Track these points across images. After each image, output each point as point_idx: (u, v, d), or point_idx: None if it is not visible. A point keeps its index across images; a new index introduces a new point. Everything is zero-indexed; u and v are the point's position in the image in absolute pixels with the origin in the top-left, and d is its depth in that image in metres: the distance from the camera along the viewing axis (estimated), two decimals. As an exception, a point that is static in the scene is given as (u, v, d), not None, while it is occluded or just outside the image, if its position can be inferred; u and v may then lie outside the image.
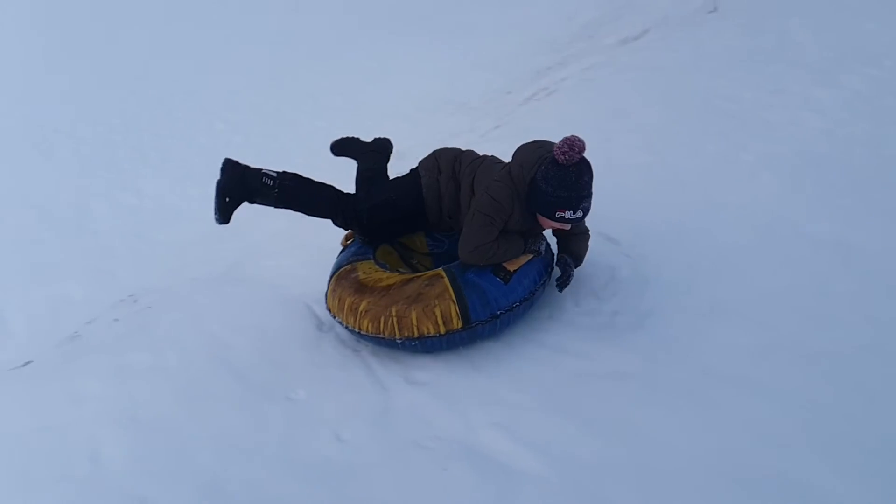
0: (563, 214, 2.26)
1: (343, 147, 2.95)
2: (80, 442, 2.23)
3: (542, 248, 2.51)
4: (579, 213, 2.27)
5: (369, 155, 2.90)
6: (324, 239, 3.30)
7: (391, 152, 2.99)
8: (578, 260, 2.57)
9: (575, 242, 2.58)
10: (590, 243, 2.66)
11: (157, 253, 5.11)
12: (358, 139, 2.97)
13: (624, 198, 3.26)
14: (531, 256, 2.45)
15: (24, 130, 7.42)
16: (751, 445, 1.84)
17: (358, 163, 2.91)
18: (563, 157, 2.18)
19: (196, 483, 2.01)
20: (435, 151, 2.72)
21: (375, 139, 2.99)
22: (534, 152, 2.36)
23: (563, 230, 2.48)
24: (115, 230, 5.65)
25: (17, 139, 7.25)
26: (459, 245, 2.37)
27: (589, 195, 2.27)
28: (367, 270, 2.51)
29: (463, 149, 2.72)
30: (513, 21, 8.57)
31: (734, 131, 3.79)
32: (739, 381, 2.08)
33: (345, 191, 2.73)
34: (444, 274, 2.36)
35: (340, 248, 2.86)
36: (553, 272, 2.60)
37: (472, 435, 2.07)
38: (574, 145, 2.16)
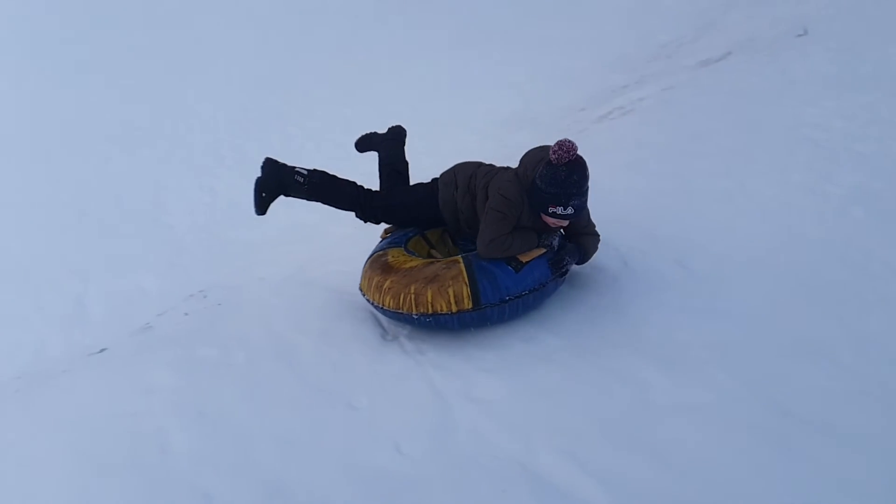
0: (555, 210, 2.47)
1: (364, 143, 3.33)
2: (150, 431, 2.30)
3: (555, 242, 2.62)
4: (570, 210, 2.46)
5: (386, 143, 3.20)
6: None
7: (405, 137, 3.30)
8: (584, 255, 2.71)
9: (584, 241, 2.73)
10: (655, 264, 2.76)
11: (228, 251, 5.26)
12: (375, 132, 3.33)
13: (700, 224, 3.15)
14: (544, 250, 2.58)
15: (108, 127, 7.82)
16: (829, 495, 1.73)
17: (378, 154, 3.21)
18: (554, 157, 2.40)
19: (258, 483, 2.03)
20: (455, 166, 2.93)
21: (390, 128, 3.29)
22: (536, 155, 2.58)
23: (573, 230, 2.70)
24: (189, 226, 5.87)
25: (101, 135, 7.64)
26: (478, 241, 2.58)
27: (580, 193, 2.45)
28: (396, 255, 2.76)
29: (484, 162, 2.92)
30: (588, 37, 8.48)
31: (822, 161, 3.61)
32: (821, 425, 1.95)
33: (373, 188, 3.05)
34: (460, 260, 2.57)
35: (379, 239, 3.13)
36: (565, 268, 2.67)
37: (533, 458, 2.02)
38: (564, 146, 2.39)
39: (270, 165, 2.90)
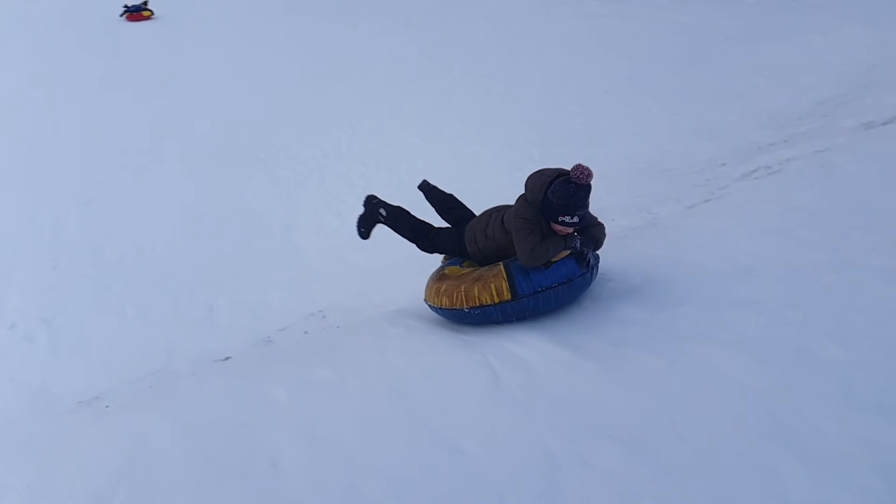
0: (564, 219, 2.95)
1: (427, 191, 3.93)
2: (264, 446, 2.36)
3: (577, 245, 3.03)
4: (576, 219, 2.96)
5: (429, 197, 3.89)
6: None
7: (429, 185, 3.96)
8: (596, 243, 3.15)
9: (593, 231, 3.17)
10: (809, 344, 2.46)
11: (349, 274, 5.44)
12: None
13: (861, 305, 2.80)
14: (568, 252, 3.01)
15: (257, 151, 8.42)
16: None
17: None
18: (576, 177, 2.91)
19: (362, 517, 2.01)
20: (473, 223, 3.43)
21: (421, 188, 3.94)
22: (539, 179, 3.05)
23: (583, 228, 3.11)
24: (315, 247, 6.14)
25: (251, 157, 8.23)
26: (519, 257, 3.00)
27: (584, 207, 2.97)
28: (451, 269, 3.36)
29: (489, 208, 3.41)
30: (736, 89, 8.09)
31: None
32: None
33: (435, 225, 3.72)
34: (501, 263, 3.09)
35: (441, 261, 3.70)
36: (594, 269, 3.15)
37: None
38: (585, 171, 2.91)
39: (368, 202, 3.73)
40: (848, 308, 2.66)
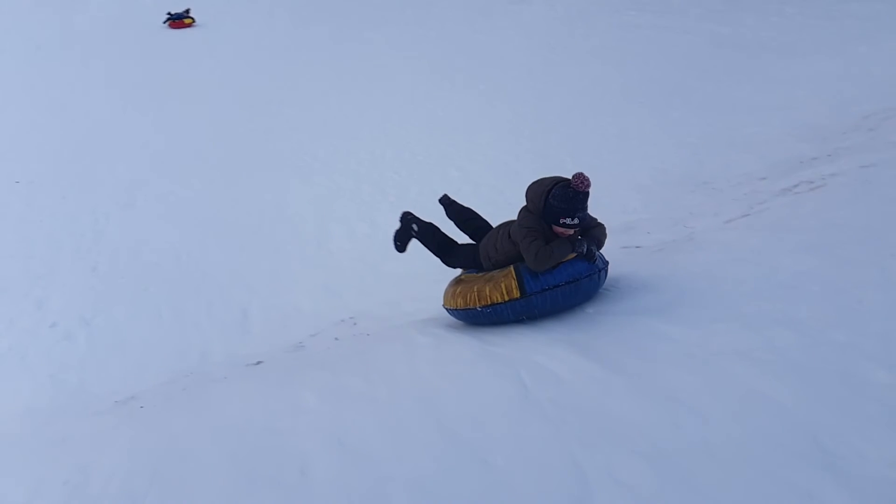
0: (565, 221, 3.17)
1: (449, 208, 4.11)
2: (294, 452, 2.38)
3: (584, 248, 3.20)
4: (576, 220, 3.18)
5: (449, 212, 4.09)
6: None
7: (449, 199, 4.16)
8: (598, 242, 3.33)
9: (594, 232, 3.36)
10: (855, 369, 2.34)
11: (380, 282, 5.47)
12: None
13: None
14: (574, 255, 3.20)
15: (293, 159, 8.57)
16: None
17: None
18: (575, 184, 3.16)
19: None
20: (485, 240, 3.61)
21: (441, 202, 4.15)
22: (538, 188, 3.28)
23: (585, 229, 3.32)
24: (347, 254, 6.20)
25: (287, 165, 8.38)
26: (527, 262, 3.20)
27: (584, 209, 3.20)
28: (468, 276, 3.58)
29: (507, 221, 3.56)
30: (776, 102, 7.92)
31: None
32: None
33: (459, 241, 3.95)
34: (511, 266, 3.29)
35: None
36: (602, 272, 3.31)
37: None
38: (584, 180, 3.16)
39: (403, 217, 4.01)
40: (893, 329, 2.56)
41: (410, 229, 3.93)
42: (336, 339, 4.37)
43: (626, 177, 6.72)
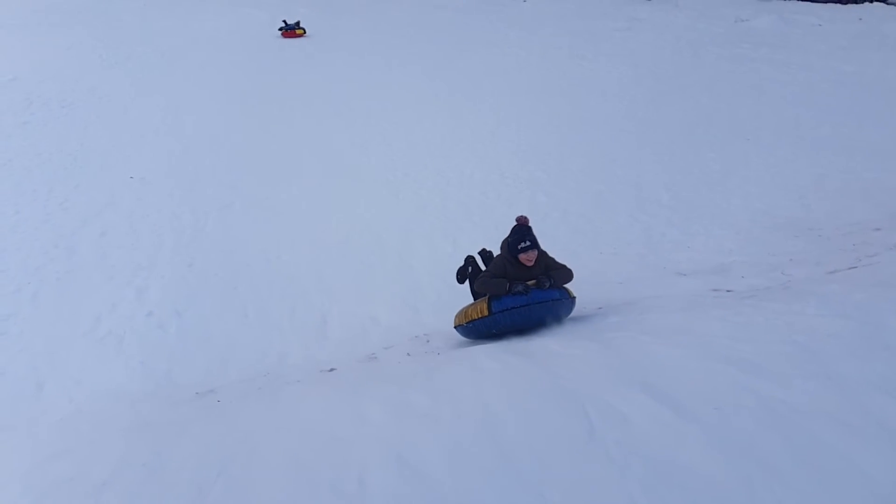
0: (521, 246, 4.12)
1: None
2: (354, 462, 2.41)
3: (521, 289, 4.03)
4: (528, 243, 4.12)
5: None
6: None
7: (471, 259, 4.99)
8: (555, 281, 4.14)
9: (553, 274, 4.18)
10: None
11: (456, 301, 5.46)
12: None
13: None
14: (526, 292, 4.04)
15: (382, 171, 8.81)
16: None
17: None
18: (518, 221, 4.29)
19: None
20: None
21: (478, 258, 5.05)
22: (506, 238, 4.28)
23: (547, 268, 4.22)
24: (427, 270, 6.27)
25: (380, 180, 8.60)
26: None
27: (530, 236, 4.18)
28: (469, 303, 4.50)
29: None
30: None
31: None
32: None
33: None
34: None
35: None
36: (558, 302, 4.12)
37: None
38: (523, 218, 4.33)
39: (466, 261, 4.91)
40: None
41: (467, 268, 4.90)
42: (408, 354, 4.42)
43: (725, 216, 6.44)
